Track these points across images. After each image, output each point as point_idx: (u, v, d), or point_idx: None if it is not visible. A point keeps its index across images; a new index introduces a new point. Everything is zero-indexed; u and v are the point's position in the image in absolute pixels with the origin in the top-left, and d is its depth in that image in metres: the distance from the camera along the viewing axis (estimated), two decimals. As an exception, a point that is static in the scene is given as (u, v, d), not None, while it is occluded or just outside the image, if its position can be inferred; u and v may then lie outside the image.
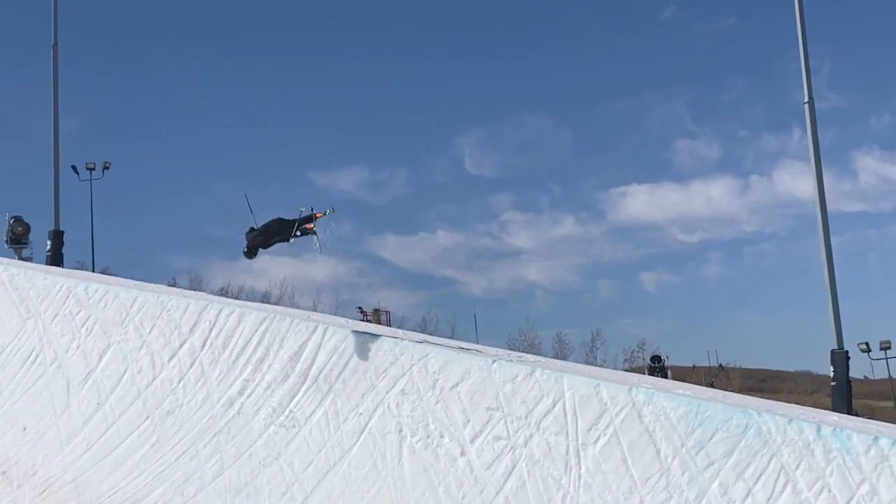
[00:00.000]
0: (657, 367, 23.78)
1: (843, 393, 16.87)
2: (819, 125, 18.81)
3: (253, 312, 10.06)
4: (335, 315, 12.87)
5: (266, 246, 11.43)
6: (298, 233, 11.55)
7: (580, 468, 6.94)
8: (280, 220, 11.83)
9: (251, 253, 10.93)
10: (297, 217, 11.58)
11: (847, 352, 17.31)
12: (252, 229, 11.92)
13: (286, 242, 11.49)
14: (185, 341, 10.26)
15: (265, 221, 11.77)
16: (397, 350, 8.57)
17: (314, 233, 11.70)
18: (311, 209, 12.38)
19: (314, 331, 9.35)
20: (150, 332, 10.55)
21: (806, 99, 18.50)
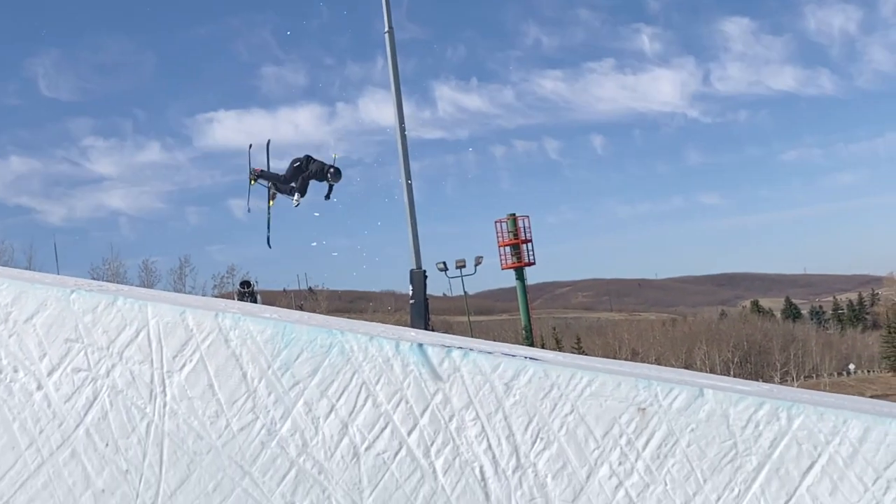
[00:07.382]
0: (247, 292, 23.83)
1: (420, 310, 17.85)
2: (400, 55, 19.53)
3: None
4: None
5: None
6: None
7: (165, 395, 6.81)
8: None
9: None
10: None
11: (424, 271, 18.31)
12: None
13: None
14: None
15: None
16: (-37, 283, 7.92)
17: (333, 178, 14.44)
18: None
19: None
20: None
21: (386, 28, 19.04)
